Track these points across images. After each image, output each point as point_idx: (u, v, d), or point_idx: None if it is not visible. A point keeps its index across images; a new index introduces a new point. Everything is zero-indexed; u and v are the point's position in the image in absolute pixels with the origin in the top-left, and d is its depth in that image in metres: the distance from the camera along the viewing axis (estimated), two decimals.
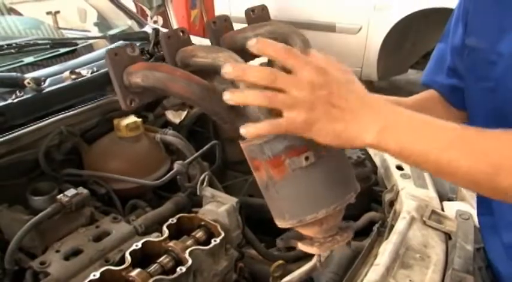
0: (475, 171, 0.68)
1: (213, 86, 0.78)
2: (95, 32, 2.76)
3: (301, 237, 0.83)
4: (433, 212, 1.31)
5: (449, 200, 1.41)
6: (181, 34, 0.83)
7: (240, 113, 0.77)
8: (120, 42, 1.98)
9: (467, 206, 1.36)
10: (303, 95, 0.65)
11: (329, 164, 0.76)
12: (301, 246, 0.82)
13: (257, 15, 0.89)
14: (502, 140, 0.70)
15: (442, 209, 1.35)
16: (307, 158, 0.72)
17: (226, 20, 0.89)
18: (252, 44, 0.65)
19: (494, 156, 0.69)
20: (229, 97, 0.66)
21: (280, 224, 0.80)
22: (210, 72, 0.81)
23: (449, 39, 1.05)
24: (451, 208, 1.35)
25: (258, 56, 0.88)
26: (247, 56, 0.82)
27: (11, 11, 2.77)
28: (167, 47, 0.82)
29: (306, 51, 0.77)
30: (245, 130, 0.67)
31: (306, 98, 0.65)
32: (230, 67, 0.65)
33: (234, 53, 0.76)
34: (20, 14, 2.82)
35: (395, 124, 0.69)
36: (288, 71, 0.66)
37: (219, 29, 0.88)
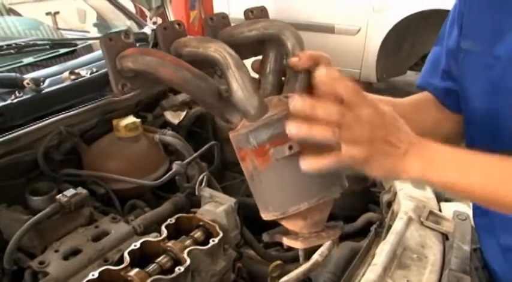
0: None
1: (203, 74, 0.78)
2: (94, 32, 2.76)
3: (287, 233, 0.82)
4: (431, 212, 1.32)
5: (446, 200, 1.42)
6: (177, 26, 0.84)
7: (228, 103, 0.78)
8: None
9: (464, 207, 1.37)
10: (364, 132, 0.69)
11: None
12: (286, 241, 0.81)
13: (256, 16, 0.90)
14: None
15: (440, 210, 1.35)
16: (290, 147, 0.72)
17: (224, 17, 0.89)
18: (322, 80, 0.70)
19: None
20: (295, 130, 0.69)
21: (265, 216, 0.79)
22: (203, 63, 0.81)
23: (445, 42, 1.06)
24: (448, 209, 1.35)
25: (257, 54, 0.89)
26: (242, 51, 0.83)
27: (11, 11, 2.77)
28: (162, 38, 0.82)
29: (299, 48, 0.80)
30: (306, 162, 0.70)
31: (367, 136, 0.70)
32: (300, 102, 0.68)
33: (226, 45, 0.76)
34: (19, 14, 2.82)
35: (438, 160, 0.75)
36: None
37: (216, 26, 0.88)
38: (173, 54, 0.81)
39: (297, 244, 0.80)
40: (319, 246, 0.86)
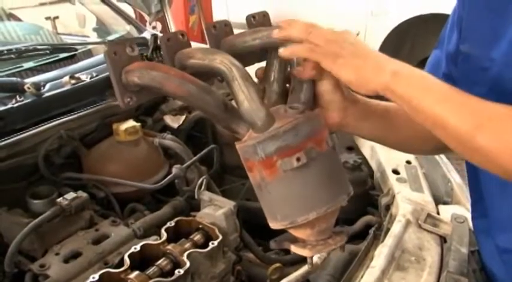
0: (460, 128, 0.74)
1: (208, 86, 0.79)
2: (93, 37, 2.77)
3: (295, 240, 0.83)
4: (429, 215, 1.32)
5: (444, 203, 1.43)
6: (180, 37, 0.85)
7: (234, 114, 0.79)
8: None
9: (462, 209, 1.38)
10: (335, 41, 0.76)
11: (321, 166, 0.77)
12: (294, 249, 0.82)
13: (258, 22, 0.91)
14: (488, 103, 0.76)
15: (438, 213, 1.36)
16: (298, 159, 0.74)
17: (226, 25, 0.90)
18: (277, 36, 0.79)
19: (478, 116, 0.74)
20: (283, 51, 0.78)
21: (273, 225, 0.80)
22: (208, 75, 0.82)
23: (445, 46, 1.06)
24: (446, 211, 1.36)
25: (261, 60, 0.91)
26: (245, 60, 0.85)
27: (11, 16, 2.78)
28: (166, 49, 0.83)
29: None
30: (283, 51, 0.78)
31: (338, 45, 0.76)
32: (277, 30, 0.78)
33: (230, 56, 0.77)
34: (19, 19, 2.83)
35: (406, 71, 0.78)
36: None
37: (219, 34, 0.89)
38: (177, 65, 0.82)
39: (304, 252, 0.81)
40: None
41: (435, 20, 3.75)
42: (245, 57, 0.85)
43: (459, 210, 1.36)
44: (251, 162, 0.77)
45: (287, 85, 0.87)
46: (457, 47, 1.01)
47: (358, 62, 0.76)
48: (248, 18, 0.91)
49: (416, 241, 1.23)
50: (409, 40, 4.43)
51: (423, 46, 4.43)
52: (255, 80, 0.87)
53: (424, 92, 0.77)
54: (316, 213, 0.75)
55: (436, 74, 1.08)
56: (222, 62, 0.76)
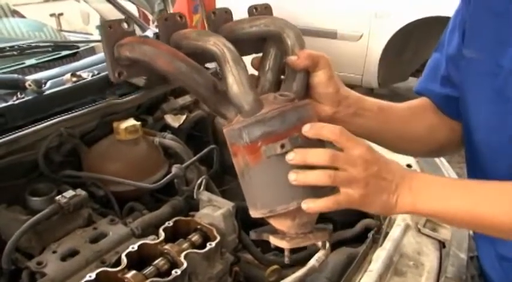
0: (505, 221, 0.77)
1: (199, 66, 0.78)
2: (96, 35, 2.77)
3: (275, 232, 0.82)
4: (428, 220, 1.32)
5: None
6: (178, 18, 0.84)
7: (224, 97, 0.78)
8: None
9: None
10: (358, 172, 0.73)
11: None
12: (272, 240, 0.81)
13: (260, 13, 0.90)
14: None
15: None
16: (282, 146, 0.73)
17: (227, 12, 0.90)
18: (307, 130, 0.74)
19: None
20: (295, 178, 0.73)
21: (253, 213, 0.80)
22: (202, 57, 0.81)
23: (445, 49, 1.05)
24: None
25: (258, 52, 0.90)
26: (243, 47, 0.84)
27: (15, 13, 2.78)
28: (163, 29, 0.82)
29: (299, 47, 0.82)
30: (306, 205, 0.74)
31: (361, 175, 0.74)
32: (293, 154, 0.73)
33: (225, 39, 0.77)
34: (22, 16, 2.83)
35: (426, 191, 0.78)
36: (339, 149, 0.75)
37: (218, 20, 0.88)
38: (172, 45, 0.81)
39: (282, 243, 0.80)
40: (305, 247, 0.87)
41: (439, 23, 3.74)
42: (242, 45, 0.84)
43: None
44: (236, 146, 0.76)
45: (282, 76, 0.86)
46: (458, 50, 1.00)
47: (384, 197, 0.77)
48: (250, 9, 0.91)
49: (415, 246, 1.23)
50: (412, 42, 4.43)
51: (426, 49, 4.42)
52: (252, 70, 0.87)
53: (451, 200, 0.79)
54: (296, 203, 0.75)
55: (435, 77, 1.08)
56: (216, 43, 0.76)
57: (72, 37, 2.54)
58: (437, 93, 1.07)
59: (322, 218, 1.59)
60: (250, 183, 0.77)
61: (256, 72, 0.88)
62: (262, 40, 0.87)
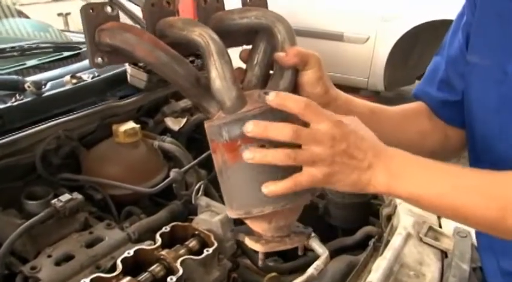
0: (485, 216, 0.72)
1: (181, 57, 0.75)
2: None
3: (251, 233, 0.79)
4: (430, 228, 1.29)
5: None
6: (166, 4, 0.81)
7: (207, 91, 0.75)
8: None
9: None
10: (323, 150, 0.68)
11: None
12: (247, 241, 0.79)
13: (253, 3, 0.87)
14: (508, 183, 0.73)
15: (440, 226, 1.33)
16: (262, 147, 0.70)
17: (218, 1, 0.86)
18: (271, 99, 0.68)
19: (502, 200, 0.72)
20: (250, 156, 0.68)
21: (229, 213, 0.77)
22: (187, 48, 0.78)
23: (445, 51, 1.03)
24: (448, 225, 1.33)
25: (247, 44, 0.86)
26: (233, 38, 0.82)
27: (20, 13, 2.78)
28: (149, 15, 0.79)
29: (290, 43, 0.78)
30: (266, 189, 0.69)
31: (327, 153, 0.68)
32: (252, 125, 0.67)
33: (211, 30, 0.74)
34: (27, 16, 2.83)
35: (403, 172, 0.73)
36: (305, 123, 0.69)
37: (209, 8, 0.85)
38: (158, 33, 0.79)
39: (256, 246, 0.78)
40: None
41: (445, 26, 3.69)
42: (232, 36, 0.82)
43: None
44: (215, 143, 0.74)
45: (271, 72, 0.83)
46: (460, 54, 0.97)
47: (354, 176, 0.71)
48: None
49: (417, 255, 1.20)
50: (419, 46, 4.40)
51: (433, 52, 4.36)
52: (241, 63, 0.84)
53: (430, 185, 0.74)
54: (272, 207, 0.72)
55: (433, 80, 1.06)
56: (201, 34, 0.73)
57: (77, 38, 2.54)
58: (433, 96, 1.05)
59: (323, 223, 1.59)
60: (228, 183, 0.75)
61: (244, 66, 0.85)
62: (254, 32, 0.84)
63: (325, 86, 0.83)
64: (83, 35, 2.28)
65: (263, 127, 0.67)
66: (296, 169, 0.71)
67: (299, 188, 0.69)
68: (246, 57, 0.84)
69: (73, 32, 2.88)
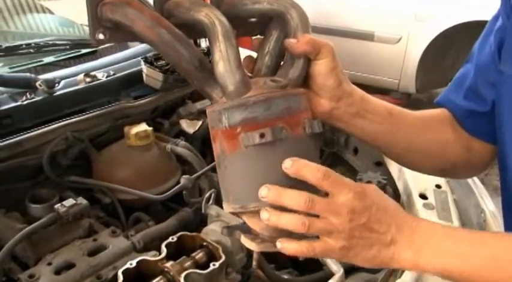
0: None
1: (185, 37, 0.71)
2: None
3: (248, 231, 0.74)
4: None
5: None
6: None
7: (210, 76, 0.71)
8: None
9: None
10: (341, 223, 0.64)
11: (289, 150, 0.68)
12: (243, 239, 0.74)
13: None
14: None
15: None
16: (262, 135, 0.65)
17: None
18: (288, 167, 0.65)
19: None
20: (266, 217, 0.65)
21: (225, 207, 0.73)
22: (193, 30, 0.74)
23: (474, 58, 0.93)
24: None
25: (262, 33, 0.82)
26: (243, 26, 0.78)
27: (43, 9, 2.77)
28: None
29: (302, 30, 0.74)
30: (280, 245, 0.66)
31: (344, 226, 0.65)
32: (266, 189, 0.65)
33: (219, 12, 0.70)
34: (51, 12, 2.82)
35: (431, 246, 0.68)
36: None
37: None
38: (165, 14, 0.75)
39: (251, 245, 0.72)
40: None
41: (482, 28, 3.55)
42: (246, 23, 0.78)
43: None
44: (215, 130, 0.69)
45: (282, 63, 0.78)
46: (492, 61, 0.88)
47: (373, 251, 0.67)
48: None
49: (439, 279, 1.11)
50: (454, 48, 4.24)
51: (468, 55, 4.22)
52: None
53: (463, 259, 0.68)
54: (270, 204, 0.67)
55: (460, 88, 0.96)
56: (207, 15, 0.68)
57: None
58: (459, 105, 0.95)
59: None
60: (225, 174, 0.70)
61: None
62: (268, 20, 0.79)
63: (339, 79, 0.77)
64: None
65: (276, 193, 0.64)
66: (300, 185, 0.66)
67: (312, 254, 0.66)
68: (258, 46, 0.79)
69: None
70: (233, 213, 0.73)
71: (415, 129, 0.92)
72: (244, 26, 0.74)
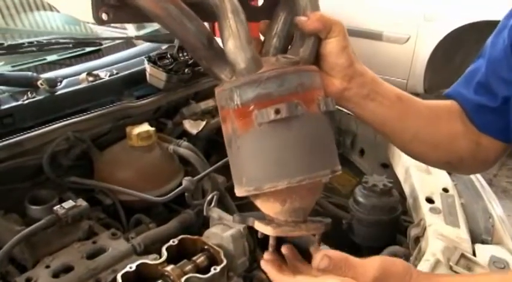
0: None
1: (193, 13, 0.67)
2: (131, 30, 2.72)
3: (263, 218, 0.71)
4: (462, 256, 1.16)
5: (483, 242, 1.25)
6: None
7: (219, 54, 0.68)
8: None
9: (503, 251, 1.20)
10: None
11: (304, 128, 0.66)
12: (257, 225, 0.70)
13: None
14: None
15: (474, 253, 1.19)
16: (277, 111, 0.63)
17: None
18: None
19: None
20: None
21: (238, 190, 0.70)
22: (202, 12, 0.70)
23: (487, 53, 0.91)
24: (484, 253, 1.19)
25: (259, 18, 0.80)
26: (245, 8, 0.74)
27: (49, 7, 2.76)
28: None
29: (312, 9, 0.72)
30: None
31: None
32: None
33: None
34: (57, 10, 2.81)
35: None
36: None
37: None
38: None
39: (267, 230, 0.69)
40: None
41: (491, 28, 3.50)
42: (253, 9, 0.77)
43: (500, 252, 1.19)
44: (226, 110, 0.67)
45: (290, 46, 0.77)
46: (504, 55, 0.86)
47: None
48: None
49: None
50: (463, 48, 4.19)
51: (477, 54, 4.17)
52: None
53: None
54: (287, 182, 0.64)
55: (470, 82, 0.93)
56: None
57: (107, 31, 2.50)
58: (469, 99, 0.92)
59: (345, 240, 1.48)
60: (238, 155, 0.67)
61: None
62: (275, 4, 0.77)
63: (350, 58, 0.76)
64: (119, 30, 2.22)
65: None
66: (321, 147, 0.66)
67: None
68: (265, 29, 0.78)
69: (111, 26, 2.85)
70: (246, 198, 0.70)
71: (424, 117, 0.90)
72: (249, 10, 0.71)
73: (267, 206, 0.70)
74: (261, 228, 0.70)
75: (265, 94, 0.64)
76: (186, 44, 0.69)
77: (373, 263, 0.70)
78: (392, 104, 0.83)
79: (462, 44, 4.13)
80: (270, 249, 0.73)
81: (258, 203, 0.70)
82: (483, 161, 0.96)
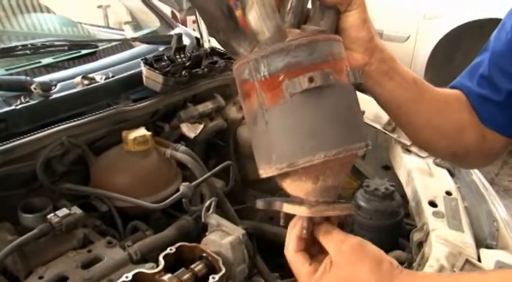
0: None
1: None
2: (128, 31, 2.69)
3: (289, 201, 0.67)
4: (467, 261, 1.13)
5: (488, 247, 1.22)
6: None
7: (238, 27, 0.64)
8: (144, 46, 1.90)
9: (509, 256, 1.18)
10: None
11: (338, 99, 0.62)
12: (287, 207, 0.66)
13: None
14: None
15: (479, 259, 1.16)
16: (311, 79, 0.59)
17: None
18: None
19: None
20: None
21: (265, 170, 0.64)
22: None
23: (490, 48, 0.90)
24: (489, 258, 1.16)
25: None
26: None
27: (46, 9, 2.74)
28: None
29: None
30: None
31: None
32: None
33: None
34: (53, 12, 2.79)
35: None
36: None
37: None
38: None
39: (300, 210, 0.65)
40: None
41: (492, 26, 3.47)
42: None
43: (505, 257, 1.16)
44: (250, 84, 0.63)
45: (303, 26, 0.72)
46: (506, 48, 0.85)
47: None
48: None
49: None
50: (463, 46, 4.16)
51: (478, 53, 4.14)
52: None
53: None
54: (323, 155, 0.60)
55: (473, 75, 0.92)
56: None
57: (104, 32, 2.48)
58: (473, 90, 0.91)
59: None
60: (266, 130, 0.63)
61: None
62: None
63: (370, 32, 0.74)
64: (118, 31, 2.19)
65: None
66: (354, 118, 0.63)
67: None
68: (278, 4, 0.74)
69: (98, 26, 2.82)
70: (274, 177, 0.65)
71: (436, 103, 0.89)
72: None
73: (297, 186, 0.65)
74: (293, 209, 0.66)
75: (296, 63, 0.61)
76: (205, 11, 0.65)
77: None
78: (409, 86, 0.83)
79: (462, 42, 4.11)
80: (304, 231, 0.68)
81: (287, 183, 0.66)
82: (487, 155, 0.96)
